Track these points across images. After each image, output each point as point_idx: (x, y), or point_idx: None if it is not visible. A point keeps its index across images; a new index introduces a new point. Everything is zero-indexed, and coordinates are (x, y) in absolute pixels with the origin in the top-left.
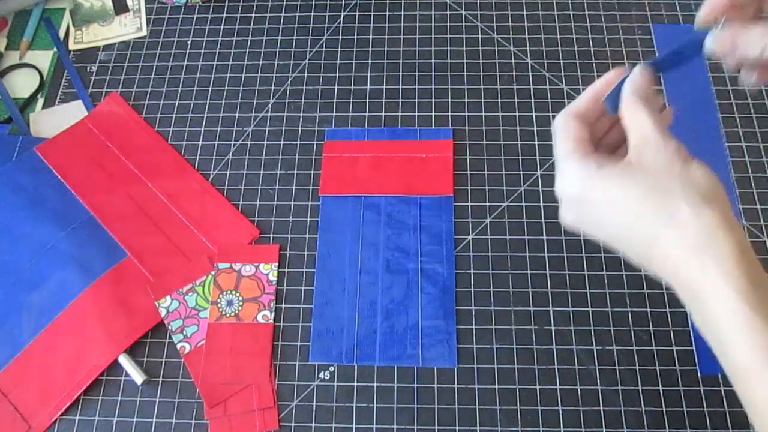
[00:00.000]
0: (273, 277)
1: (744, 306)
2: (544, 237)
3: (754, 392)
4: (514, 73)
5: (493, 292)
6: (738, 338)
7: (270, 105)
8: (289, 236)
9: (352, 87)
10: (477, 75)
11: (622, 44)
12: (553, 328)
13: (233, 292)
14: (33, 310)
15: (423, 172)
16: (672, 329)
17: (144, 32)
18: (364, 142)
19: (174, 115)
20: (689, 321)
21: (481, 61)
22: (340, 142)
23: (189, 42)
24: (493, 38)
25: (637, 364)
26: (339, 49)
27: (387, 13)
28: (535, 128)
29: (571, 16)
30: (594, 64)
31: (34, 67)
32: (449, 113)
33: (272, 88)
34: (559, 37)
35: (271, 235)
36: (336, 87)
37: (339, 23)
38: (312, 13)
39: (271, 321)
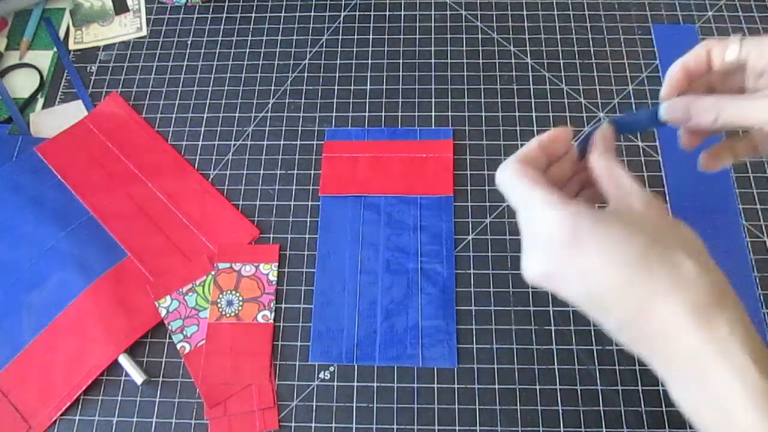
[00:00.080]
0: (273, 277)
1: (755, 371)
2: None
3: None
4: (514, 73)
5: (493, 292)
6: (749, 405)
7: (270, 105)
8: (289, 236)
9: (352, 87)
10: (477, 75)
11: (622, 44)
12: (553, 328)
13: (233, 292)
14: (33, 310)
15: (423, 172)
16: None
17: (144, 32)
18: (364, 142)
19: (174, 115)
20: None
21: (481, 61)
22: (340, 142)
23: (189, 42)
24: (493, 38)
25: (637, 364)
26: (339, 49)
27: (387, 13)
28: (535, 128)
29: (571, 16)
30: (594, 64)
31: (34, 67)
32: (449, 113)
33: (272, 88)
34: (559, 37)
35: (271, 235)
36: (336, 87)
37: (339, 23)
38: (312, 13)
39: (271, 321)
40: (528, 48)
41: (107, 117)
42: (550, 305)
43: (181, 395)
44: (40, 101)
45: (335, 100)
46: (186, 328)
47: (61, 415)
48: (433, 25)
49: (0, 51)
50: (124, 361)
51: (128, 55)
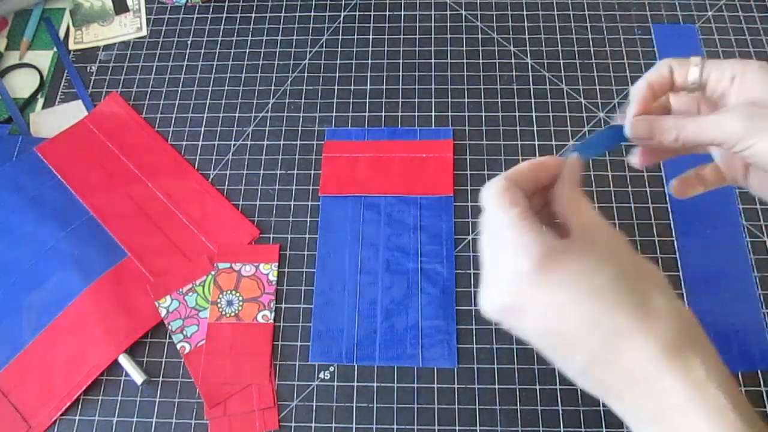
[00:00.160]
0: (273, 277)
1: (732, 414)
2: None
3: None
4: (514, 73)
5: None
6: None
7: (270, 105)
8: (289, 236)
9: (352, 87)
10: (477, 75)
11: (622, 44)
12: None
13: (233, 292)
14: (33, 310)
15: (423, 172)
16: None
17: (144, 32)
18: (364, 142)
19: (174, 115)
20: None
21: (481, 61)
22: (340, 142)
23: (189, 42)
24: (493, 38)
25: None
26: (339, 49)
27: (387, 13)
28: (535, 128)
29: (571, 16)
30: (594, 64)
31: (34, 67)
32: (449, 113)
33: (272, 88)
34: (559, 37)
35: (271, 235)
36: (336, 87)
37: (339, 23)
38: (312, 13)
39: (271, 321)
40: (528, 48)
41: (107, 117)
42: None
43: (181, 395)
44: (40, 101)
45: (335, 100)
46: (186, 328)
47: (61, 415)
48: (433, 25)
49: (0, 51)
50: (124, 361)
51: (128, 55)
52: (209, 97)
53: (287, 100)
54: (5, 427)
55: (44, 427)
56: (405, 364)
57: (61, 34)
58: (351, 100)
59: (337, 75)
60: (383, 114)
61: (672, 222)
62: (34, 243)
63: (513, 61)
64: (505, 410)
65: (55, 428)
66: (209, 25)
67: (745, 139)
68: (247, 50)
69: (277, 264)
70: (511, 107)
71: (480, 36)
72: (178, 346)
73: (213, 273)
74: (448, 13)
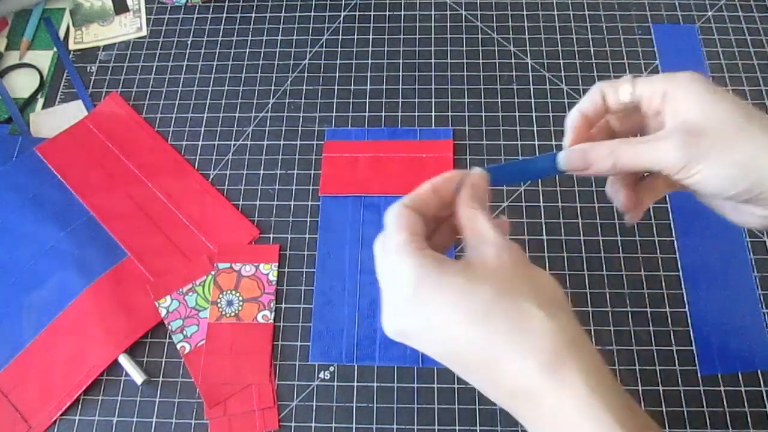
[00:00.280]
0: (273, 277)
1: (615, 424)
2: (544, 237)
3: None
4: (514, 73)
5: None
6: None
7: (270, 105)
8: (289, 236)
9: (352, 87)
10: (477, 75)
11: (622, 44)
12: None
13: (233, 292)
14: (33, 310)
15: (423, 172)
16: (672, 329)
17: (144, 32)
18: (364, 142)
19: (174, 115)
20: (689, 321)
21: (481, 61)
22: (340, 142)
23: (189, 42)
24: (493, 38)
25: (637, 364)
26: (339, 49)
27: (387, 13)
28: (535, 128)
29: (571, 16)
30: (594, 64)
31: (34, 67)
32: (449, 113)
33: (272, 88)
34: (559, 37)
35: (271, 235)
36: (336, 87)
37: (339, 23)
38: (312, 13)
39: (271, 321)
40: (528, 48)
41: (107, 117)
42: None
43: (181, 395)
44: (40, 101)
45: (335, 100)
46: (186, 328)
47: (61, 415)
48: (433, 25)
49: (0, 51)
50: (124, 361)
51: (128, 55)
52: (209, 97)
53: (287, 100)
54: (5, 427)
55: (44, 427)
56: (405, 364)
57: (61, 34)
58: (351, 100)
59: (337, 75)
60: (383, 114)
61: (672, 222)
62: (34, 243)
63: (513, 61)
64: (505, 410)
65: (55, 428)
66: (209, 25)
67: (686, 169)
68: (247, 50)
69: (277, 264)
70: (511, 107)
71: (480, 36)
72: (178, 346)
73: (213, 273)
74: (448, 13)
